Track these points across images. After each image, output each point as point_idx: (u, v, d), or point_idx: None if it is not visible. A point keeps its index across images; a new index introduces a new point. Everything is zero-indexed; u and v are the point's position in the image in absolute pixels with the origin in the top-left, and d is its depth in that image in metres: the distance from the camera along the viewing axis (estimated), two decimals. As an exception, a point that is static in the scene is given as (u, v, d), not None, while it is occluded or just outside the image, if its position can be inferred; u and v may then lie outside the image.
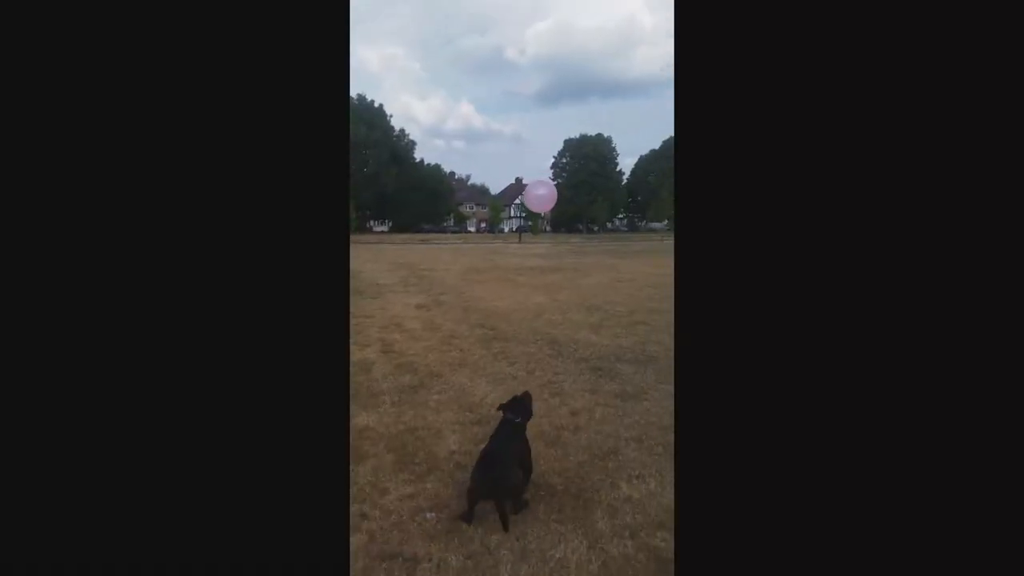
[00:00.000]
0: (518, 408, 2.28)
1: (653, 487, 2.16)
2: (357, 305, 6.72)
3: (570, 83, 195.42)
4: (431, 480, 2.24)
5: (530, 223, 48.25)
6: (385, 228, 49.97)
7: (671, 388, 3.43)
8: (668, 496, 2.08)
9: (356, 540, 1.81)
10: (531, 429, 2.34)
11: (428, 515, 1.97)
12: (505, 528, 1.89)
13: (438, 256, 17.21)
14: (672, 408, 3.08)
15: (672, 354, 4.20)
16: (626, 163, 63.61)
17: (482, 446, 2.20)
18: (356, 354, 4.28)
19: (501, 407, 2.31)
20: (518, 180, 62.87)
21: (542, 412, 2.83)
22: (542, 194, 8.55)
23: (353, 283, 8.27)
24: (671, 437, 2.65)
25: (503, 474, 1.95)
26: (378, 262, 14.20)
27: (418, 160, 51.38)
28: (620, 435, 2.70)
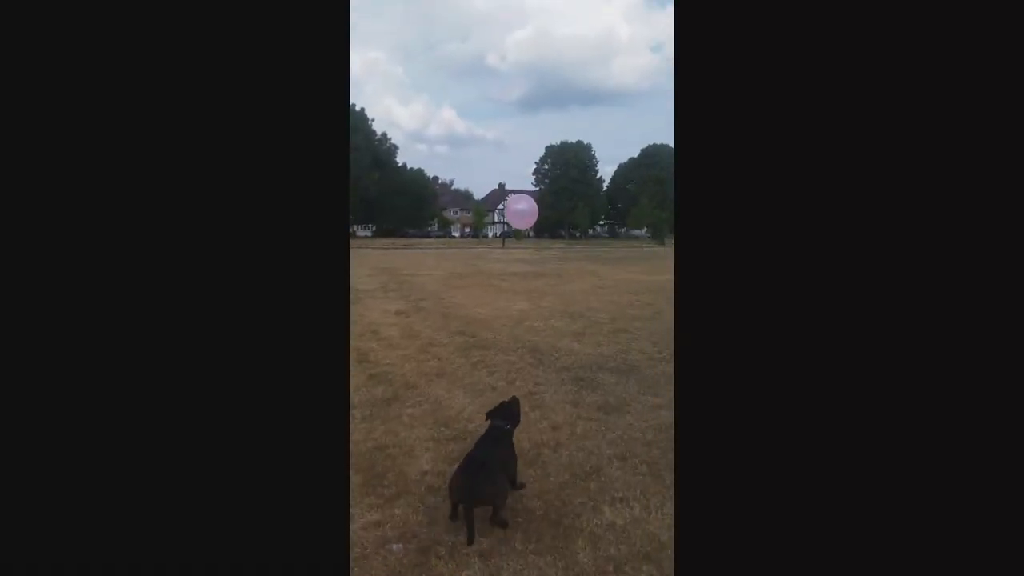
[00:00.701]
0: (506, 414, 2.21)
1: (638, 512, 2.03)
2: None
3: (550, 91, 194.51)
4: (400, 505, 2.07)
5: (513, 228, 48.16)
6: (368, 233, 49.27)
7: (654, 400, 3.33)
8: (654, 523, 1.95)
9: None
10: (509, 448, 2.20)
11: (395, 547, 1.81)
12: (469, 542, 1.80)
13: (421, 261, 16.98)
14: (655, 423, 2.99)
15: (654, 363, 4.15)
16: (606, 171, 63.62)
17: (456, 466, 2.06)
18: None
19: (488, 414, 2.24)
20: (501, 186, 62.76)
21: (521, 427, 2.69)
22: (523, 209, 8.46)
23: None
24: (655, 454, 2.53)
25: (487, 478, 1.87)
26: (359, 267, 13.86)
27: (400, 164, 50.80)
28: (603, 452, 2.57)
